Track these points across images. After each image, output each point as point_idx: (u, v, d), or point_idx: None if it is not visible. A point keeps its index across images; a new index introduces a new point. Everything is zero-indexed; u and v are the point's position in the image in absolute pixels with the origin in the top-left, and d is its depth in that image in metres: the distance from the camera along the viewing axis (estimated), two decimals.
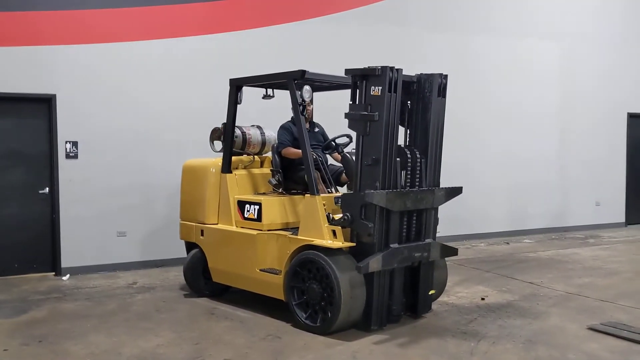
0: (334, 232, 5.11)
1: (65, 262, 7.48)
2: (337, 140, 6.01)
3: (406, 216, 5.21)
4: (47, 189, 7.47)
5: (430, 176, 5.40)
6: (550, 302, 6.19)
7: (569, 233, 11.02)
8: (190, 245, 6.60)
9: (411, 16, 9.57)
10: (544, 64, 10.85)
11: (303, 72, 5.43)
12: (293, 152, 6.03)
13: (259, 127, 6.75)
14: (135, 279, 7.25)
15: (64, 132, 7.44)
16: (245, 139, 6.52)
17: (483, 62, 10.21)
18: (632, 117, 11.97)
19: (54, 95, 7.38)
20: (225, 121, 6.37)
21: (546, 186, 10.99)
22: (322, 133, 6.47)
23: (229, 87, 6.29)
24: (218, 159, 6.38)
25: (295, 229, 5.57)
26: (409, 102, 5.43)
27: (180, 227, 6.68)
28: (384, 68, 4.96)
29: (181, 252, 6.87)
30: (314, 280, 5.13)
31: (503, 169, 10.46)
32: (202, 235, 6.34)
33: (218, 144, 6.68)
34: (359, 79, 5.10)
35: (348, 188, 5.99)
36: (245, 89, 6.27)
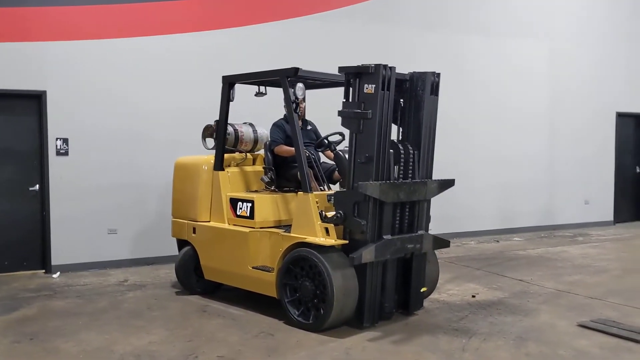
0: (326, 230, 5.11)
1: (56, 259, 7.45)
2: (330, 138, 6.02)
3: (399, 208, 5.23)
4: (38, 186, 7.42)
5: (422, 170, 5.42)
6: (541, 299, 6.24)
7: (558, 231, 11.11)
8: (182, 243, 6.59)
9: (401, 15, 9.58)
10: (533, 63, 10.92)
11: (296, 69, 5.43)
12: (285, 149, 6.03)
13: (251, 125, 6.74)
14: (126, 277, 7.23)
15: (55, 129, 7.40)
16: (237, 137, 6.51)
17: (472, 62, 10.25)
18: (620, 116, 12.09)
19: (44, 92, 7.33)
20: (217, 118, 6.36)
21: (535, 185, 11.08)
22: (315, 131, 6.48)
23: (221, 85, 6.28)
24: (210, 157, 6.37)
25: (287, 227, 5.57)
26: (401, 100, 5.44)
27: (172, 224, 6.66)
28: (377, 66, 4.97)
29: (172, 249, 6.86)
30: (306, 278, 5.14)
31: (493, 168, 10.53)
32: (194, 232, 6.33)
33: (210, 142, 6.67)
34: (352, 77, 5.11)
35: (341, 186, 6.01)
36: (237, 86, 6.27)
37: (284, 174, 6.10)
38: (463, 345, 4.78)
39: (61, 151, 7.43)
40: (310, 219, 5.21)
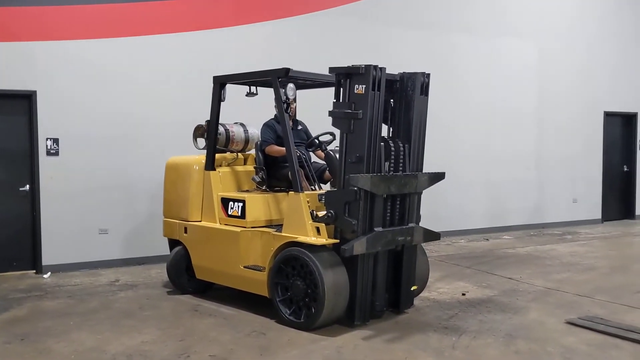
0: (317, 229, 5.14)
1: (46, 259, 7.42)
2: (321, 138, 6.05)
3: (390, 201, 5.26)
4: (28, 186, 7.40)
5: (413, 165, 5.45)
6: (530, 297, 6.30)
7: (547, 229, 11.21)
8: (173, 243, 6.59)
9: (390, 15, 9.62)
10: (521, 62, 11.01)
11: (287, 70, 5.45)
12: (276, 149, 6.05)
13: (242, 125, 6.75)
14: (117, 277, 7.22)
15: (45, 129, 7.37)
16: (228, 137, 6.52)
17: (461, 61, 10.32)
18: (608, 115, 12.21)
19: (35, 92, 7.30)
20: (208, 118, 6.37)
21: (524, 183, 11.17)
22: (305, 131, 6.50)
23: (212, 85, 6.29)
24: (201, 156, 6.38)
25: (279, 226, 5.59)
26: (392, 100, 5.49)
27: (164, 224, 6.67)
28: (367, 67, 5.00)
29: (163, 249, 6.86)
30: (297, 277, 5.17)
31: (482, 166, 10.61)
32: (185, 232, 6.34)
33: (201, 142, 6.68)
34: (343, 77, 5.14)
35: (331, 185, 6.04)
36: (228, 86, 6.28)
37: (275, 174, 6.12)
38: (453, 343, 4.83)
39: (51, 151, 7.41)
40: (302, 219, 5.23)
